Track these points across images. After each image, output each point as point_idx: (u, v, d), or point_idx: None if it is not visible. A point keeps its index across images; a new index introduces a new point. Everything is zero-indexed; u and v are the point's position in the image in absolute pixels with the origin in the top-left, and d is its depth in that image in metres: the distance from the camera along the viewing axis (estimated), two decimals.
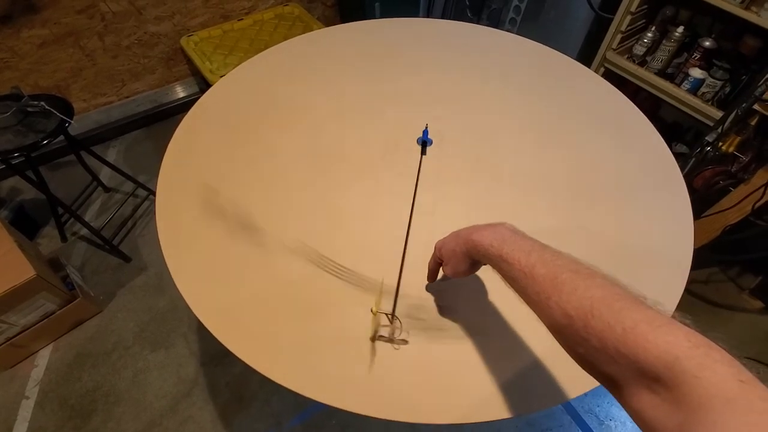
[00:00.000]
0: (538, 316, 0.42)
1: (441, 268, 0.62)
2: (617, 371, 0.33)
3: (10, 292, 1.23)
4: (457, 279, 0.60)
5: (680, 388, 0.28)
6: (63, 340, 1.49)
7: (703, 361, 0.28)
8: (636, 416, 0.31)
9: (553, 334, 0.40)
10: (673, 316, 0.32)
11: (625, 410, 0.33)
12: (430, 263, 0.65)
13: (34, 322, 1.37)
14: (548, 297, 0.39)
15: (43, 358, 1.45)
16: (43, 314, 1.38)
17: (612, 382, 0.34)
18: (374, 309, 0.62)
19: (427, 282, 0.69)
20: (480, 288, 0.70)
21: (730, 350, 0.30)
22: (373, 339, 0.64)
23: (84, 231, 1.76)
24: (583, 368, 0.37)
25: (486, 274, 0.57)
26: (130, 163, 2.03)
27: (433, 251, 0.63)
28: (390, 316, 0.65)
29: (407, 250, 0.74)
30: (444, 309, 0.69)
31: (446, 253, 0.58)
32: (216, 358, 1.44)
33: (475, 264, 0.55)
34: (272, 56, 1.12)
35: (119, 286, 1.62)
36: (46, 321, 1.39)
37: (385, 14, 2.15)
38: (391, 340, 0.64)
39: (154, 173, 0.84)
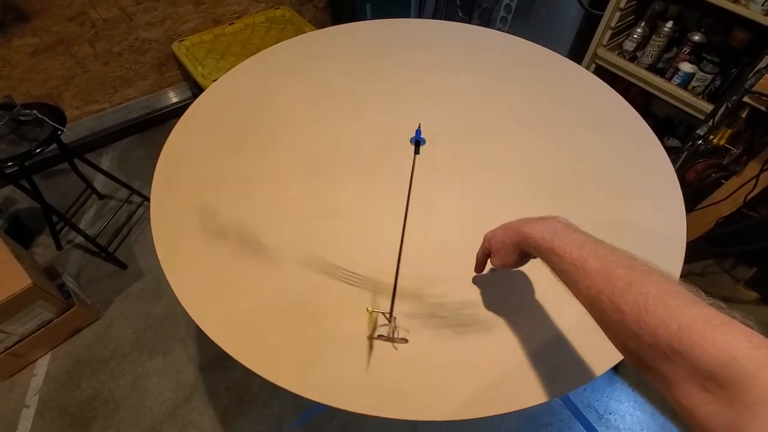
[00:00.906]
0: (587, 309, 0.42)
1: (489, 260, 0.62)
2: (669, 368, 0.33)
3: (6, 301, 1.22)
4: (504, 270, 0.59)
5: (736, 387, 0.28)
6: (61, 348, 1.48)
7: (764, 362, 0.28)
8: (686, 413, 0.31)
9: (601, 328, 0.40)
10: (733, 316, 0.32)
11: (675, 406, 0.33)
12: (478, 254, 0.65)
13: (31, 331, 1.37)
14: (600, 291, 0.39)
15: (42, 366, 1.45)
16: (41, 323, 1.38)
17: (662, 378, 0.34)
18: (370, 308, 0.63)
19: (429, 279, 0.69)
20: (485, 285, 0.71)
21: None
22: (371, 338, 0.64)
23: (79, 239, 1.75)
24: (632, 363, 0.37)
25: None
26: (123, 170, 2.02)
27: (482, 243, 0.62)
28: (388, 315, 0.65)
29: (402, 249, 0.74)
30: (458, 303, 0.69)
31: (495, 245, 0.58)
32: (215, 363, 1.44)
33: (524, 256, 0.56)
34: (264, 59, 1.12)
35: (116, 293, 1.62)
36: (44, 330, 1.38)
37: (376, 15, 2.16)
38: (390, 339, 0.64)
39: (149, 179, 0.84)
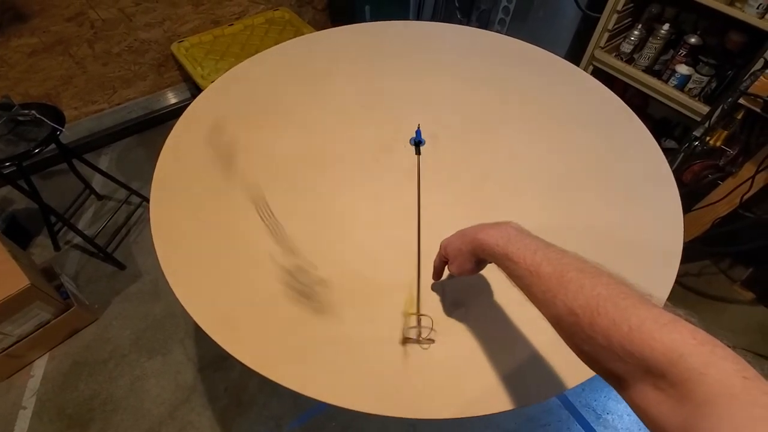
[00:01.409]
0: (544, 314, 0.42)
1: (446, 267, 0.63)
2: (623, 368, 0.33)
3: (4, 302, 1.22)
4: (462, 277, 0.60)
5: (685, 385, 0.28)
6: (59, 349, 1.48)
7: (709, 359, 0.29)
8: (640, 413, 0.32)
9: (557, 332, 0.41)
10: (677, 314, 0.33)
11: (630, 407, 0.33)
12: (435, 261, 0.65)
13: (29, 332, 1.36)
14: (554, 295, 0.40)
15: (39, 367, 1.44)
16: (38, 324, 1.38)
17: (617, 379, 0.34)
18: (406, 310, 0.62)
19: (432, 281, 0.70)
20: (480, 286, 0.71)
21: (723, 341, 0.30)
22: (404, 342, 0.64)
23: (77, 239, 1.75)
24: (589, 365, 0.38)
25: (489, 272, 0.58)
26: (122, 171, 2.02)
27: (438, 250, 0.63)
28: (420, 317, 0.65)
29: (403, 249, 0.75)
30: (449, 307, 0.69)
31: (452, 252, 0.58)
32: (214, 363, 1.44)
33: (480, 263, 0.56)
34: (264, 60, 1.13)
35: (114, 293, 1.61)
36: (42, 330, 1.38)
37: (375, 17, 2.17)
38: (418, 341, 0.64)
39: (147, 180, 0.84)
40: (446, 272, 0.65)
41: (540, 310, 0.43)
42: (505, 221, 0.52)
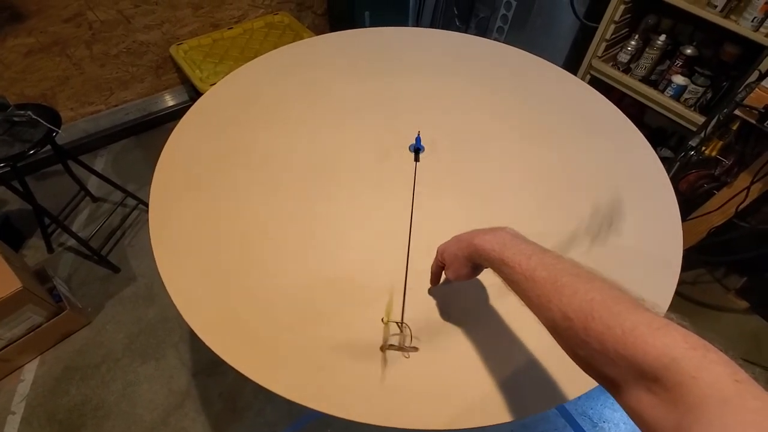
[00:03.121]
0: (539, 318, 0.42)
1: (443, 272, 0.63)
2: (616, 372, 0.33)
3: None
4: (459, 282, 0.60)
5: (678, 389, 0.29)
6: (50, 353, 1.46)
7: (700, 362, 0.29)
8: (634, 416, 0.32)
9: (553, 336, 0.41)
10: (670, 319, 0.33)
11: (624, 410, 0.33)
12: (432, 267, 0.65)
13: (20, 335, 1.34)
14: (549, 300, 0.40)
15: (30, 372, 1.42)
16: (30, 327, 1.36)
17: (611, 383, 0.35)
18: (385, 318, 0.62)
19: (429, 286, 0.70)
20: (477, 292, 0.71)
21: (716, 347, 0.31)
22: (383, 348, 0.63)
23: (71, 242, 1.73)
24: (583, 370, 0.38)
25: (486, 277, 0.58)
26: (118, 173, 2.01)
27: (435, 255, 0.63)
28: (400, 325, 0.65)
29: (396, 254, 0.74)
30: (444, 313, 0.69)
31: (448, 257, 0.58)
32: (208, 369, 1.42)
33: (476, 268, 0.56)
34: (263, 64, 1.13)
35: (108, 297, 1.59)
36: (33, 334, 1.36)
37: (374, 23, 2.18)
38: (401, 348, 0.63)
39: (144, 182, 0.84)
40: (443, 277, 0.65)
41: (536, 314, 0.43)
42: (500, 226, 0.52)
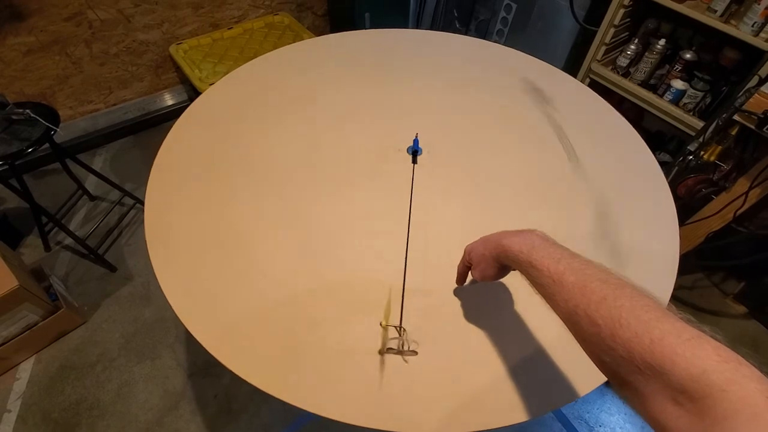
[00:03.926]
0: (564, 322, 0.42)
1: (470, 272, 0.63)
2: (642, 381, 0.33)
3: None
4: (485, 282, 0.59)
5: (705, 401, 0.28)
6: (46, 352, 1.45)
7: (732, 376, 0.28)
8: (657, 426, 0.32)
9: (578, 341, 0.40)
10: (702, 330, 0.33)
11: (646, 420, 0.33)
12: (459, 266, 0.65)
13: (16, 334, 1.34)
14: (576, 305, 0.39)
15: (26, 370, 1.41)
16: (26, 325, 1.35)
17: (635, 392, 0.34)
18: (383, 322, 0.62)
19: (428, 288, 0.69)
20: (475, 296, 0.71)
21: None
22: (382, 352, 0.63)
23: (68, 240, 1.72)
24: (607, 376, 0.38)
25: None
26: (116, 171, 2.00)
27: (462, 255, 0.63)
28: (398, 329, 0.65)
29: (395, 258, 0.74)
30: (442, 317, 0.68)
31: (475, 257, 0.58)
32: (204, 369, 1.42)
33: (503, 269, 0.56)
34: (262, 65, 1.13)
35: (104, 296, 1.59)
36: (29, 332, 1.35)
37: (374, 25, 2.18)
38: (400, 352, 0.63)
39: (142, 181, 0.83)
40: (469, 277, 0.65)
41: (561, 318, 0.43)
42: (529, 229, 0.52)
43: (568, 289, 0.41)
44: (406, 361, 0.63)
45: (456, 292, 0.71)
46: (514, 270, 0.54)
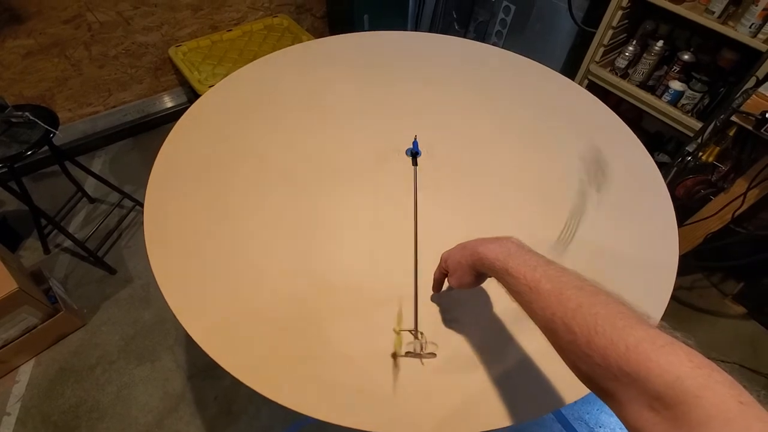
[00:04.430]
0: (542, 330, 0.42)
1: (446, 279, 0.63)
2: (618, 388, 0.33)
3: None
4: (462, 290, 0.60)
5: (680, 407, 0.28)
6: (45, 354, 1.45)
7: (705, 382, 0.29)
8: None
9: (555, 349, 0.41)
10: (675, 336, 0.33)
11: (625, 426, 0.33)
12: (435, 274, 0.65)
13: (15, 337, 1.34)
14: (553, 312, 0.40)
15: (25, 373, 1.41)
16: (25, 328, 1.35)
17: (612, 398, 0.34)
18: (397, 328, 0.62)
19: (432, 293, 0.69)
20: (475, 298, 0.71)
21: (714, 355, 0.30)
22: (395, 356, 0.63)
23: (68, 243, 1.72)
24: (584, 383, 0.38)
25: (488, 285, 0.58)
26: (116, 174, 2.00)
27: (438, 262, 0.63)
28: (414, 333, 0.65)
29: (399, 261, 0.74)
30: (448, 321, 0.69)
31: (452, 265, 0.58)
32: (203, 372, 1.42)
33: (480, 276, 0.56)
34: (261, 67, 1.13)
35: (104, 298, 1.59)
36: (28, 335, 1.35)
37: (373, 27, 2.18)
38: (418, 355, 0.63)
39: (141, 183, 0.83)
40: (446, 284, 0.65)
41: (538, 326, 0.43)
42: (506, 236, 0.52)
43: (544, 297, 0.41)
44: (423, 364, 0.63)
45: (456, 294, 0.71)
46: (490, 277, 0.54)
